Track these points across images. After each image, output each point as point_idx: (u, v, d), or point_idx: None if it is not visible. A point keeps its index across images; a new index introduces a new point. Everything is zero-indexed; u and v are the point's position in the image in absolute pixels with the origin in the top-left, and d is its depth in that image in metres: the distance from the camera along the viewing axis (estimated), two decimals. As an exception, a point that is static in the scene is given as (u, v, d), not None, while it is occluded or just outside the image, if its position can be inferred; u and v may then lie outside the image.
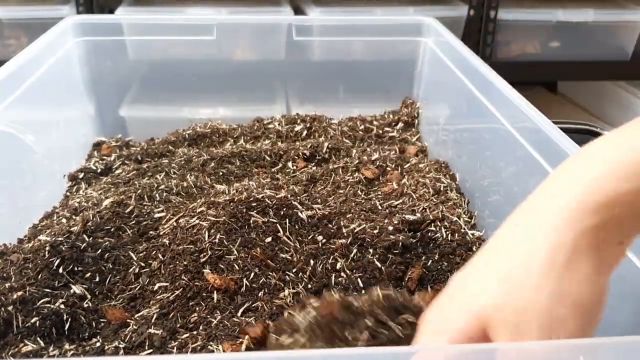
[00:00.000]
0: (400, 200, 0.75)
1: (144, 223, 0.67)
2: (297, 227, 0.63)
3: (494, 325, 0.33)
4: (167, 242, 0.61)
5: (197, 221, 0.62)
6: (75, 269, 0.60)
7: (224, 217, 0.60)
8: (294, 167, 0.85)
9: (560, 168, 0.35)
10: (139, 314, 0.54)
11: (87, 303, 0.57)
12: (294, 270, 0.58)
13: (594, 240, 0.33)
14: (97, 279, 0.60)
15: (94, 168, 0.86)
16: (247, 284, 0.56)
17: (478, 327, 0.33)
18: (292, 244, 0.61)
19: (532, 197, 0.35)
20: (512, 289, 0.33)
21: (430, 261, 0.65)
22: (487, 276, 0.34)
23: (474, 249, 0.68)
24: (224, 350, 0.49)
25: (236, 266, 0.57)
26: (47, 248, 0.61)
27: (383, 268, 0.60)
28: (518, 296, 0.32)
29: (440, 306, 0.36)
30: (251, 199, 0.64)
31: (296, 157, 0.86)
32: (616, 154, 0.33)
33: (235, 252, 0.58)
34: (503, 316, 0.33)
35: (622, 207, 0.33)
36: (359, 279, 0.58)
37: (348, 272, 0.59)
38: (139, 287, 0.58)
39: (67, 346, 0.52)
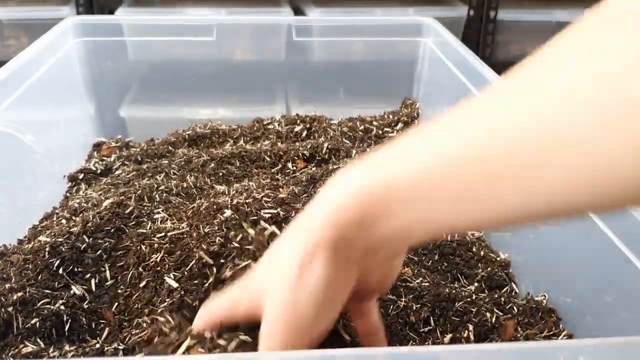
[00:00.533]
0: (400, 201, 0.75)
1: (144, 224, 0.67)
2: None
3: (257, 305, 0.38)
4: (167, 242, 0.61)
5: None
6: (75, 269, 0.60)
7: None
8: (294, 168, 0.85)
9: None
10: (139, 315, 0.54)
11: (87, 304, 0.57)
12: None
13: (333, 249, 0.36)
14: (97, 280, 0.60)
15: (94, 169, 0.86)
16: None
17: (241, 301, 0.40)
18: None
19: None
20: (266, 284, 0.38)
21: (430, 262, 0.65)
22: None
23: (473, 249, 0.68)
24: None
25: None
26: (47, 249, 0.61)
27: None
28: (268, 291, 0.38)
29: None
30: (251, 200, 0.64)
31: (296, 158, 0.86)
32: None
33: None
34: (258, 299, 0.38)
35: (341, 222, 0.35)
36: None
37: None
38: (138, 287, 0.58)
39: (67, 347, 0.52)
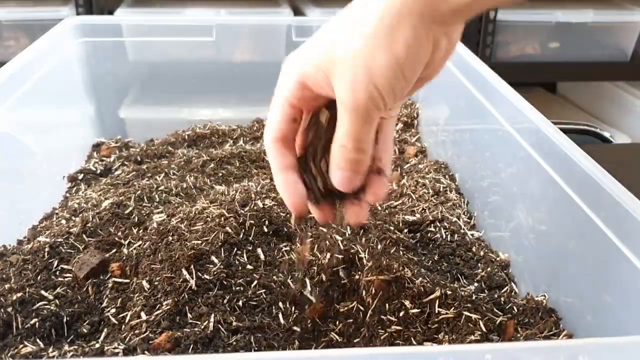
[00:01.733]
0: (400, 201, 0.75)
1: (144, 224, 0.67)
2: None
3: (329, 74, 0.39)
4: (167, 243, 0.61)
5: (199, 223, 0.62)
6: (75, 270, 0.60)
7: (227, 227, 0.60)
8: (294, 168, 0.85)
9: None
10: (139, 315, 0.54)
11: (87, 304, 0.57)
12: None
13: (419, 13, 0.37)
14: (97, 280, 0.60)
15: (94, 169, 0.86)
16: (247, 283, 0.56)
17: (316, 73, 0.40)
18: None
19: None
20: (344, 43, 0.39)
21: (430, 262, 0.65)
22: (325, 33, 0.41)
23: (473, 249, 0.68)
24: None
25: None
26: (47, 249, 0.61)
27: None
28: (346, 49, 0.38)
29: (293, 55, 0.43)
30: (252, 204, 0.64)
31: (296, 158, 0.86)
32: None
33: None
34: (332, 63, 0.39)
35: None
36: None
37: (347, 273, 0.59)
38: (138, 288, 0.58)
39: (66, 347, 0.52)
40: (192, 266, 0.56)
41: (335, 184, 0.43)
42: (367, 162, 0.42)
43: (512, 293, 0.64)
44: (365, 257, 0.60)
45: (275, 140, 0.44)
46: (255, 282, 0.56)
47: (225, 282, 0.56)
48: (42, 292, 0.56)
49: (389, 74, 0.38)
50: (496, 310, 0.57)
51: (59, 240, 0.63)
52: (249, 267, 0.57)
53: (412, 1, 0.37)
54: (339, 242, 0.61)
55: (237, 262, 0.57)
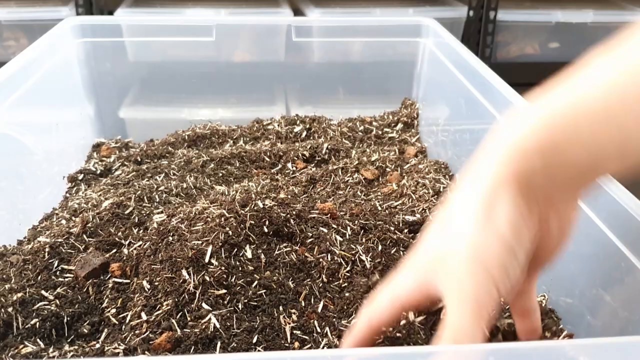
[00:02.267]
0: (400, 201, 0.75)
1: (144, 224, 0.67)
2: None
3: (436, 275, 0.36)
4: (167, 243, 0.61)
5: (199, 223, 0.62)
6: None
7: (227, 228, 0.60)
8: (294, 168, 0.85)
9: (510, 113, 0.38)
10: (140, 316, 0.54)
11: (87, 304, 0.57)
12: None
13: (516, 184, 0.34)
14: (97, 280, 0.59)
15: (94, 169, 0.86)
16: (249, 285, 0.56)
17: (421, 281, 0.37)
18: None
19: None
20: (446, 239, 0.36)
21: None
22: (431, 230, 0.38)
23: (473, 249, 0.68)
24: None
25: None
26: (47, 249, 0.61)
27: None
28: (450, 243, 0.35)
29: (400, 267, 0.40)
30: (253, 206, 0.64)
31: (296, 158, 0.86)
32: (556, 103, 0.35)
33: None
34: (440, 262, 0.36)
35: (548, 158, 0.34)
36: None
37: (347, 274, 0.59)
38: (139, 288, 0.58)
39: (67, 347, 0.52)
40: (192, 266, 0.56)
41: None
42: None
43: (512, 293, 0.64)
44: (367, 259, 0.60)
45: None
46: (256, 282, 0.56)
47: (225, 283, 0.56)
48: (43, 292, 0.56)
49: (497, 253, 0.33)
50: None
51: (59, 240, 0.63)
52: (249, 267, 0.57)
53: (506, 172, 0.34)
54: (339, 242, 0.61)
55: (237, 263, 0.57)
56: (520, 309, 0.43)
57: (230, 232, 0.59)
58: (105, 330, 0.54)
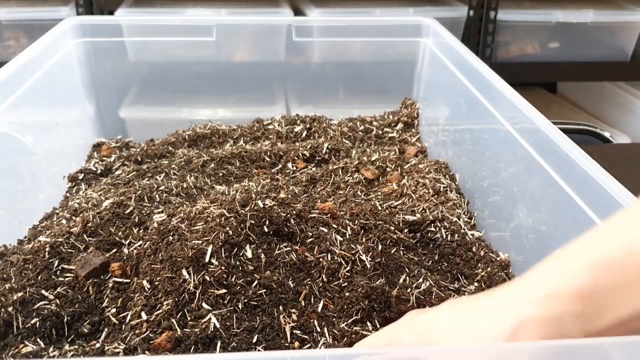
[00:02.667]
0: (400, 201, 0.75)
1: (144, 224, 0.67)
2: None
3: None
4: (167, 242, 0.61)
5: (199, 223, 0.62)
6: (75, 269, 0.60)
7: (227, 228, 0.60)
8: (294, 168, 0.85)
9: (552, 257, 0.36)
10: (140, 315, 0.54)
11: (87, 304, 0.57)
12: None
13: (541, 329, 0.33)
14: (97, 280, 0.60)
15: (94, 169, 0.86)
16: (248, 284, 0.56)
17: None
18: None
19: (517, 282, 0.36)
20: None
21: (431, 262, 0.65)
22: (445, 327, 0.37)
23: (473, 249, 0.68)
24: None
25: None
26: (47, 249, 0.61)
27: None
28: None
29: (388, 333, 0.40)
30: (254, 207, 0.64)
31: (296, 158, 0.86)
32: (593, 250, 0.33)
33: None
34: None
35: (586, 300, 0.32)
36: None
37: (347, 274, 0.59)
38: (139, 288, 0.58)
39: (67, 347, 0.52)
40: (192, 266, 0.56)
41: None
42: None
43: (512, 293, 0.64)
44: (367, 259, 0.60)
45: None
46: (256, 282, 0.56)
47: (225, 282, 0.56)
48: (43, 291, 0.56)
49: None
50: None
51: (60, 240, 0.63)
52: (249, 267, 0.57)
53: (531, 312, 0.33)
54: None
55: (237, 262, 0.57)
56: None
57: (230, 232, 0.59)
58: (106, 329, 0.55)
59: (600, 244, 0.33)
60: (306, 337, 0.53)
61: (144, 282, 0.57)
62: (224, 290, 0.55)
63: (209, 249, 0.57)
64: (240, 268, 0.57)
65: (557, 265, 0.34)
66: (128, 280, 0.59)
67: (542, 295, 0.32)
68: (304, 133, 0.96)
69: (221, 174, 0.82)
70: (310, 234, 0.62)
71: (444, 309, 0.39)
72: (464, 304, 0.38)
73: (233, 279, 0.56)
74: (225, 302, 0.54)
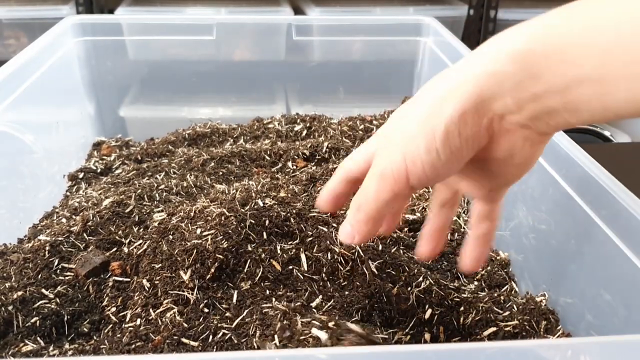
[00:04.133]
0: (400, 200, 0.75)
1: (144, 223, 0.67)
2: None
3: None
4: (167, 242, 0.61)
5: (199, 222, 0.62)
6: (75, 268, 0.60)
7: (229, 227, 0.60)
8: (294, 167, 0.85)
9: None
10: (140, 314, 0.54)
11: (87, 303, 0.57)
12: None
13: (477, 85, 0.35)
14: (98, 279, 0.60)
15: (94, 168, 0.86)
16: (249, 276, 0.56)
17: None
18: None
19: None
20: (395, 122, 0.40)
21: (430, 260, 0.65)
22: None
23: (473, 248, 0.68)
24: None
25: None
26: (47, 248, 0.61)
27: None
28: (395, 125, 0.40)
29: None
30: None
31: (296, 157, 0.86)
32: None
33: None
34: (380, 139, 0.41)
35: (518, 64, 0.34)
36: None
37: (347, 273, 0.59)
38: (139, 287, 0.58)
39: (67, 346, 0.52)
40: (192, 265, 0.56)
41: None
42: (368, 229, 0.41)
43: (512, 292, 0.64)
44: (367, 258, 0.60)
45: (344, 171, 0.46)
46: (256, 281, 0.56)
47: (225, 282, 0.56)
48: (43, 290, 0.56)
49: (420, 149, 0.36)
50: (496, 309, 0.57)
51: (60, 239, 0.63)
52: (250, 266, 0.57)
53: (474, 70, 0.35)
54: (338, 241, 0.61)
55: (237, 262, 0.57)
56: (479, 216, 0.46)
57: (230, 231, 0.59)
58: (106, 328, 0.55)
59: (558, 14, 0.35)
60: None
61: (144, 281, 0.57)
62: (224, 290, 0.55)
63: (209, 248, 0.57)
64: (240, 267, 0.57)
65: (517, 27, 0.37)
66: (128, 279, 0.59)
67: (488, 54, 0.35)
68: (304, 132, 0.96)
69: (221, 173, 0.82)
70: (310, 233, 0.62)
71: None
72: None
73: (233, 279, 0.56)
74: (226, 301, 0.54)
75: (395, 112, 0.42)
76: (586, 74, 0.31)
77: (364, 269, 0.59)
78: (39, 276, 0.58)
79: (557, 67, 0.32)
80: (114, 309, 0.56)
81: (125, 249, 0.62)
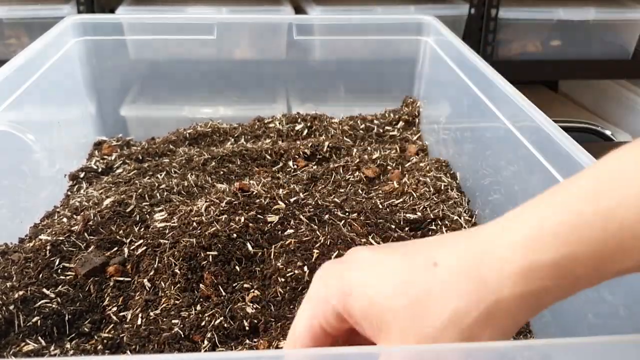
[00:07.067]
0: (401, 199, 0.75)
1: (145, 222, 0.67)
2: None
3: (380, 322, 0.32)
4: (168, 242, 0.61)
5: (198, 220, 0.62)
6: (76, 268, 0.60)
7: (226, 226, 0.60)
8: (295, 166, 0.85)
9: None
10: (140, 314, 0.55)
11: (88, 302, 0.57)
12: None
13: (507, 307, 0.30)
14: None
15: (95, 167, 0.86)
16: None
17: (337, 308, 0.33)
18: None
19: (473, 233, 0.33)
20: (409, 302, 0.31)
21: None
22: (389, 275, 0.32)
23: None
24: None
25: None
26: (48, 247, 0.61)
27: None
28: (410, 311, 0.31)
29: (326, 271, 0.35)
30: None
31: (297, 156, 0.86)
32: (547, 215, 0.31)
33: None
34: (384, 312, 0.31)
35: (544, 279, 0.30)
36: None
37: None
38: (139, 286, 0.58)
39: (68, 345, 0.52)
40: (193, 265, 0.56)
41: None
42: None
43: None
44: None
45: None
46: (257, 281, 0.56)
47: (226, 281, 0.56)
48: (44, 290, 0.56)
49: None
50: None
51: (61, 238, 0.63)
52: (250, 266, 0.57)
53: (499, 317, 0.30)
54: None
55: (238, 261, 0.57)
56: None
57: (231, 230, 0.59)
58: (107, 328, 0.55)
59: (575, 204, 0.30)
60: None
61: (145, 280, 0.57)
62: (224, 289, 0.55)
63: (210, 247, 0.57)
64: (241, 267, 0.57)
65: (532, 210, 0.31)
66: (129, 279, 0.59)
67: (517, 269, 0.29)
68: (305, 131, 0.96)
69: (222, 172, 0.82)
70: (310, 231, 0.62)
71: (387, 263, 0.33)
72: (412, 258, 0.33)
73: (234, 278, 0.56)
74: (226, 301, 0.54)
75: (371, 271, 0.33)
76: (633, 265, 0.29)
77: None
78: (40, 276, 0.58)
79: (598, 272, 0.29)
80: (114, 309, 0.56)
81: (126, 249, 0.62)
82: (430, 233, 0.68)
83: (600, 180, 0.30)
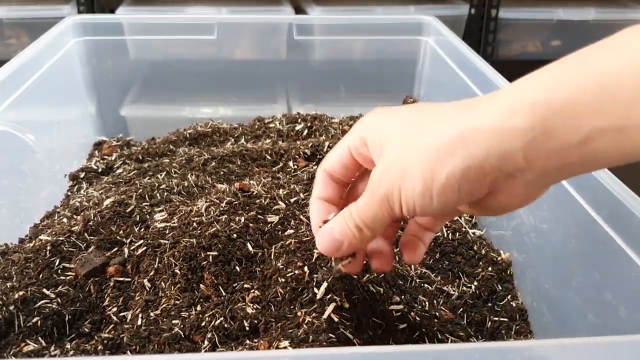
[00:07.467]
0: (401, 200, 0.75)
1: (145, 222, 0.67)
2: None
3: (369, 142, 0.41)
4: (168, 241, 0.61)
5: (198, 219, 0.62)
6: (77, 268, 0.60)
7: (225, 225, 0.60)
8: (295, 167, 0.85)
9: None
10: (141, 314, 0.55)
11: (88, 302, 0.57)
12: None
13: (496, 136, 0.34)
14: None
15: (95, 167, 0.86)
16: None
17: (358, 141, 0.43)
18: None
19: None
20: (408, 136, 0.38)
21: (432, 260, 0.65)
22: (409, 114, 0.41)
23: (474, 248, 0.68)
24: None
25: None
26: (48, 247, 0.61)
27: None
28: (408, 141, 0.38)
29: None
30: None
31: (297, 157, 0.86)
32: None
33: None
34: (375, 135, 0.41)
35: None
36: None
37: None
38: (140, 287, 0.58)
39: (68, 346, 0.52)
40: (193, 265, 0.56)
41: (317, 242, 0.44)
42: (356, 243, 0.41)
43: (513, 292, 0.64)
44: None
45: (324, 171, 0.46)
46: (257, 281, 0.56)
47: (226, 281, 0.56)
48: (44, 290, 0.56)
49: (416, 191, 0.36)
50: (497, 309, 0.57)
51: (61, 238, 0.63)
52: (250, 266, 0.57)
53: (481, 140, 0.34)
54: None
55: (238, 261, 0.57)
56: (423, 225, 0.46)
57: (231, 231, 0.59)
58: (107, 328, 0.55)
59: (574, 61, 0.33)
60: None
61: (145, 281, 0.57)
62: (225, 289, 0.55)
63: (210, 247, 0.57)
64: (241, 267, 0.57)
65: (526, 79, 0.34)
66: (129, 279, 0.59)
67: (499, 106, 0.34)
68: (305, 131, 0.96)
69: (222, 173, 0.82)
70: (310, 231, 0.62)
71: (404, 110, 0.41)
72: (424, 107, 0.40)
73: (234, 278, 0.56)
74: (226, 301, 0.54)
75: (390, 114, 0.41)
76: (607, 126, 0.30)
77: (365, 266, 0.59)
78: (40, 276, 0.58)
79: (574, 121, 0.31)
80: (115, 309, 0.56)
81: (126, 249, 0.62)
82: (430, 233, 0.68)
83: (580, 52, 0.33)
